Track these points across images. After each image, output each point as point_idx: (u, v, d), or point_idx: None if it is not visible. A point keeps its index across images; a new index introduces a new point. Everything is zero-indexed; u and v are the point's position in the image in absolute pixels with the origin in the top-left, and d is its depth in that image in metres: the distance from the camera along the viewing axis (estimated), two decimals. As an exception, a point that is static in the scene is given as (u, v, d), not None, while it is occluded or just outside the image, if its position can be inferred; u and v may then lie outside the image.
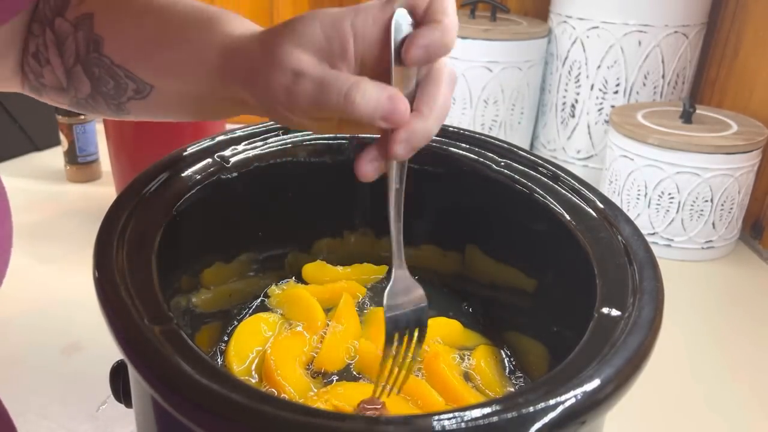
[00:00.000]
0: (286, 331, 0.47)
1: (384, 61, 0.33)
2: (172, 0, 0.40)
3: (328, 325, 0.48)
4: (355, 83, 0.32)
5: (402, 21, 0.33)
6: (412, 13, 0.33)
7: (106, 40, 0.40)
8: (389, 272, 0.37)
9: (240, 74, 0.36)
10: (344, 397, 0.41)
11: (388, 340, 0.36)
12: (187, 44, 0.38)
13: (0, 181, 0.44)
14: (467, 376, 0.45)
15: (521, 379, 0.46)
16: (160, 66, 0.39)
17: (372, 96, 0.32)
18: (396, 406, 0.39)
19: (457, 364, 0.46)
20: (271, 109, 0.35)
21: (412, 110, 0.33)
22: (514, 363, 0.47)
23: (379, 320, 0.48)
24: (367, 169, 0.35)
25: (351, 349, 0.47)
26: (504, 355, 0.48)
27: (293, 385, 0.42)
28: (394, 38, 0.33)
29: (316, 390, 0.43)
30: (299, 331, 0.47)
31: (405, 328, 0.36)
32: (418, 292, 0.37)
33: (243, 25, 0.38)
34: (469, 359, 0.46)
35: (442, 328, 0.48)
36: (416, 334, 0.37)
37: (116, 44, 0.40)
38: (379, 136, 0.35)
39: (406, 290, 0.37)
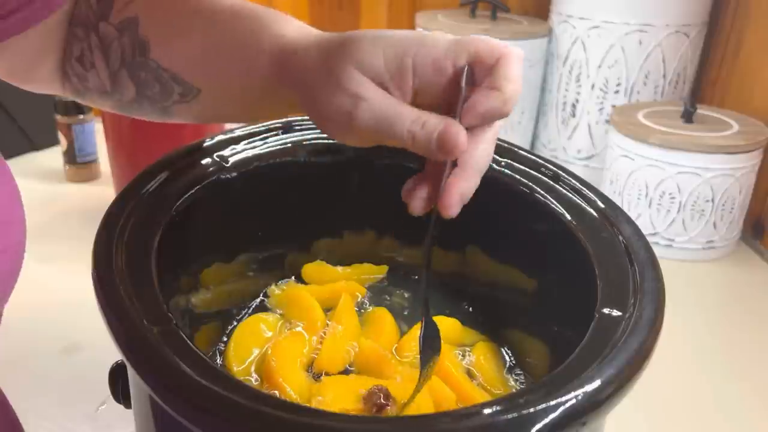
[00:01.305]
0: (286, 331, 0.47)
1: (433, 96, 0.35)
2: (219, 1, 0.40)
3: (327, 325, 0.48)
4: (416, 119, 0.33)
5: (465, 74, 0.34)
6: (474, 67, 0.34)
7: (152, 44, 0.40)
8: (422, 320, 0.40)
9: (294, 82, 0.36)
10: (338, 397, 0.41)
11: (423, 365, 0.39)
12: (238, 49, 0.38)
13: (15, 185, 0.43)
14: (469, 373, 0.45)
15: (521, 376, 0.46)
16: (211, 71, 0.39)
17: (431, 125, 0.33)
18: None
19: (459, 362, 0.46)
20: (322, 125, 0.36)
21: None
22: (514, 362, 0.47)
23: (379, 320, 0.48)
24: (417, 205, 0.36)
25: (351, 347, 0.46)
26: (504, 354, 0.47)
27: (295, 387, 0.42)
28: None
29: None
30: (299, 332, 0.47)
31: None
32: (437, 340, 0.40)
33: (291, 26, 0.38)
34: (469, 355, 0.46)
35: (442, 327, 0.48)
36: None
37: (164, 48, 0.40)
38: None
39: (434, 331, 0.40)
